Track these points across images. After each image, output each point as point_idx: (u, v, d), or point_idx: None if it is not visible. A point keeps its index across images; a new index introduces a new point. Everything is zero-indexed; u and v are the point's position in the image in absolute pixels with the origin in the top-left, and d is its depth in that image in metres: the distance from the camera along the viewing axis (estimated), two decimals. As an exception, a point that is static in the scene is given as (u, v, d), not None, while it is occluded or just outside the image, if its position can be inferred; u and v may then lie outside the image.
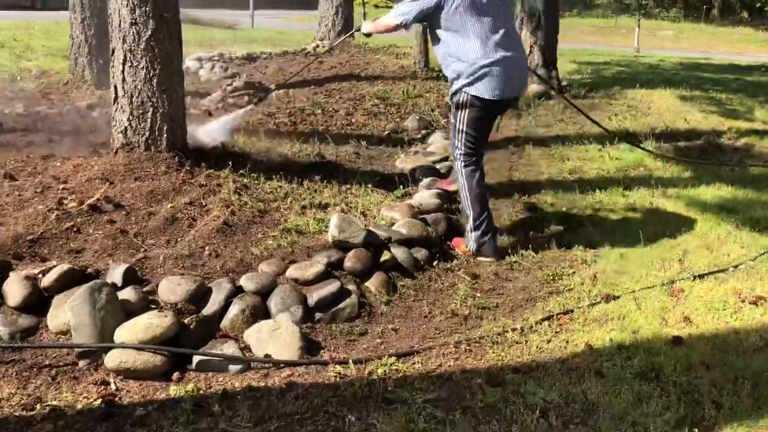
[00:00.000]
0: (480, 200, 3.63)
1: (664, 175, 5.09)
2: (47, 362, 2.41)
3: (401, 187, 4.32)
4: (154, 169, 3.82)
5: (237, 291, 2.80)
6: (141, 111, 3.82)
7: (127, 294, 2.61)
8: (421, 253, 3.45)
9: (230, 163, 4.03)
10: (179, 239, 3.28)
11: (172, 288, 2.72)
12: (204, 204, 3.61)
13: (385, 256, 3.26)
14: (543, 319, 2.88)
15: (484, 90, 3.43)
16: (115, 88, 3.83)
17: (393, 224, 3.62)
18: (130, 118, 3.83)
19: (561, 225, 4.03)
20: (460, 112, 3.55)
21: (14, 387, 2.25)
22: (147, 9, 3.68)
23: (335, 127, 6.13)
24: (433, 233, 3.65)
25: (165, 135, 3.89)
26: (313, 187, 4.14)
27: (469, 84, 3.44)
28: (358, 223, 3.31)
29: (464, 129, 3.56)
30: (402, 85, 8.41)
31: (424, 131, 6.13)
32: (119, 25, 3.71)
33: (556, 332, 2.79)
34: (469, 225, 3.63)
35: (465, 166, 3.63)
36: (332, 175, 4.40)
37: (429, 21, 3.59)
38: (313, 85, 7.68)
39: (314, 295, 2.85)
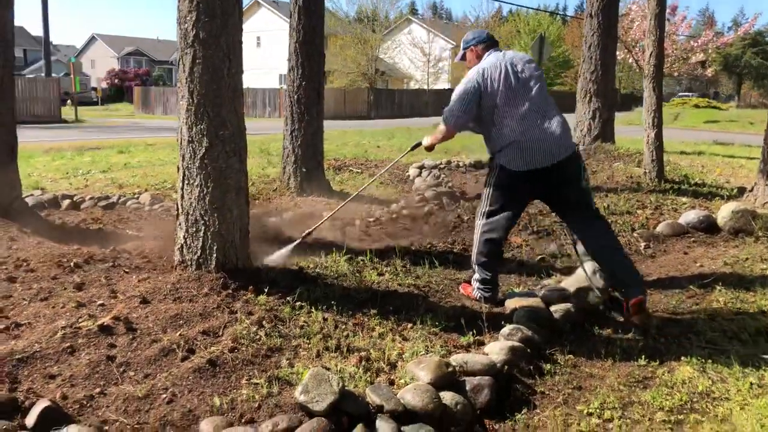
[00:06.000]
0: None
1: None
2: None
3: (473, 333, 3.42)
4: (196, 290, 3.62)
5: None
6: (194, 229, 3.70)
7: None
8: (422, 435, 2.56)
9: (267, 288, 3.64)
10: (159, 374, 2.95)
11: (65, 440, 2.37)
12: (220, 335, 3.26)
13: (359, 432, 2.48)
14: None
15: (507, 161, 3.76)
16: (177, 205, 3.79)
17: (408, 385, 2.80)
18: (186, 235, 3.74)
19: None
20: (488, 175, 3.97)
21: None
22: (202, 127, 3.60)
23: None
24: (457, 406, 2.72)
25: (215, 255, 3.70)
26: (363, 322, 3.51)
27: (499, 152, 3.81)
28: (332, 382, 2.59)
29: (489, 191, 3.93)
30: (614, 198, 7.18)
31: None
32: (180, 143, 3.69)
33: None
34: (476, 277, 4.05)
35: (482, 228, 3.95)
36: (400, 309, 3.70)
37: (478, 113, 3.77)
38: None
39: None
